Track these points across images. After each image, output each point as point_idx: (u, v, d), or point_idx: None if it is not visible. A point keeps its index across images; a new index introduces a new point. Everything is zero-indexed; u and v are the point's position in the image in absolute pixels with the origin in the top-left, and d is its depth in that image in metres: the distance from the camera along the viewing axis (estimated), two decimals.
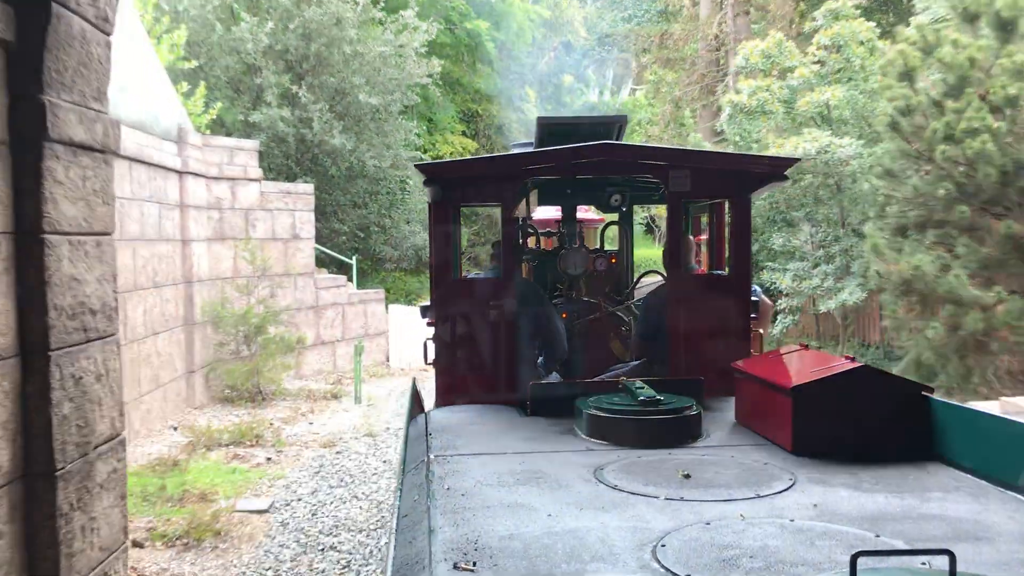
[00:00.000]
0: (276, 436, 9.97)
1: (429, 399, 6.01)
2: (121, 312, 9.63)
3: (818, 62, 12.80)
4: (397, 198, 19.71)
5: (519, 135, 28.02)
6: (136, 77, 10.47)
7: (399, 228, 19.43)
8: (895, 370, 10.55)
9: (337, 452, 9.44)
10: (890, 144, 9.79)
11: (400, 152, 18.12)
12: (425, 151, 22.62)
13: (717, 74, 21.77)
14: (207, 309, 11.98)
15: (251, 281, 12.61)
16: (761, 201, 14.19)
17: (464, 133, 25.91)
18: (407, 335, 16.13)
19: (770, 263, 13.50)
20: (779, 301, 13.25)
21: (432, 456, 4.13)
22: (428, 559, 2.72)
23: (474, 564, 2.70)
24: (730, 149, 15.81)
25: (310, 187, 14.45)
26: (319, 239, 17.12)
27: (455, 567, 2.68)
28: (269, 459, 9.10)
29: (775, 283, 12.88)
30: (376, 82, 16.75)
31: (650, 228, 28.51)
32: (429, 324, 5.91)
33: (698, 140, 16.75)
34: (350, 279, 16.65)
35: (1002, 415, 4.08)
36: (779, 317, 13.24)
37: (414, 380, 6.76)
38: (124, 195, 9.65)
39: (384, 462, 9.08)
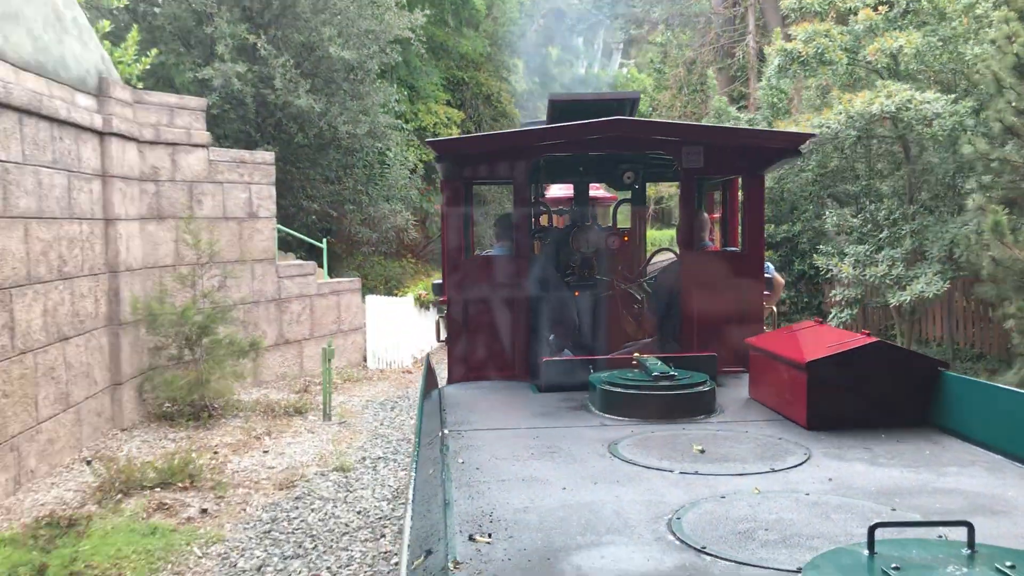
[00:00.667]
0: (218, 473, 7.67)
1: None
2: (5, 314, 7.32)
3: (885, 3, 10.60)
4: (375, 172, 17.32)
5: (508, 106, 25.73)
6: (33, 4, 8.06)
7: (378, 206, 17.08)
8: (1004, 380, 8.44)
9: (296, 498, 7.17)
10: (1010, 95, 7.58)
11: (378, 118, 15.72)
12: (407, 120, 20.26)
13: (734, 33, 19.50)
14: (139, 305, 9.64)
15: (195, 270, 10.27)
16: (807, 173, 12.04)
17: (449, 103, 23.52)
18: (388, 330, 13.84)
19: (821, 246, 11.32)
20: (833, 292, 11.09)
21: (446, 431, 4.11)
22: (444, 531, 2.62)
23: (490, 536, 2.68)
24: (762, 113, 13.64)
25: (270, 155, 12.07)
26: (284, 219, 14.76)
27: (471, 539, 2.65)
28: (204, 511, 6.81)
29: (831, 269, 10.70)
30: (350, 35, 14.31)
31: None
32: (442, 302, 5.87)
33: (722, 104, 14.54)
34: (321, 265, 14.32)
35: (1016, 389, 3.82)
36: (834, 311, 11.08)
37: (428, 355, 7.00)
38: (12, 158, 7.28)
39: (358, 513, 6.82)
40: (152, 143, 10.34)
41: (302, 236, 14.18)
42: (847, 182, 11.52)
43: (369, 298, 13.84)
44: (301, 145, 14.86)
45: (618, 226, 8.55)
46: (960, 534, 2.11)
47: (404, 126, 18.83)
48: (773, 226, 12.42)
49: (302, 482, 7.56)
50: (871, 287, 10.56)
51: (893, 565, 2.03)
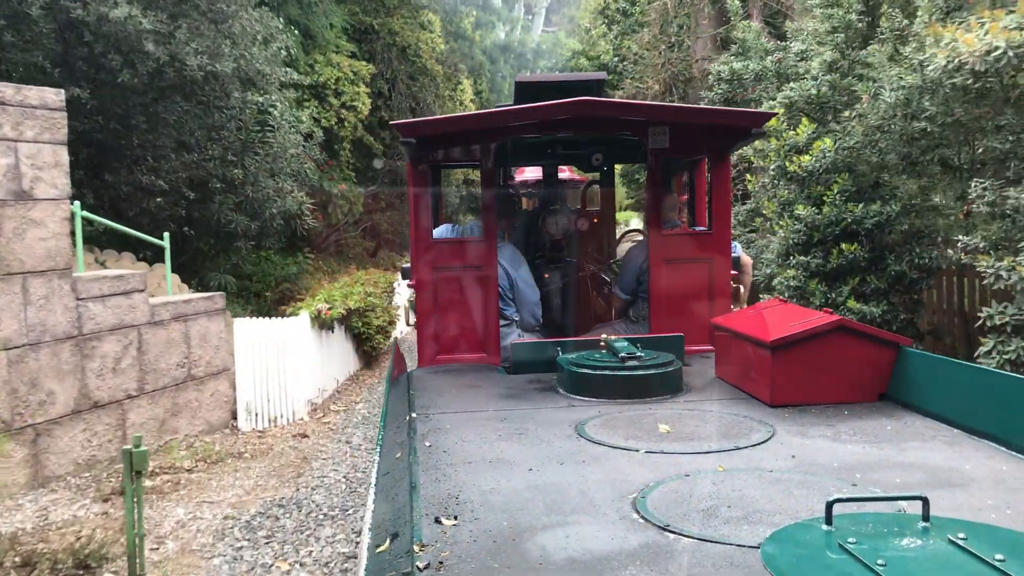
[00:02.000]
0: None
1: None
2: None
3: None
4: (254, 136, 12.41)
5: (428, 61, 21.10)
6: None
7: (258, 185, 12.23)
8: None
9: None
10: None
11: (252, 55, 10.84)
12: (301, 72, 15.38)
13: None
14: None
15: None
16: (919, 123, 7.89)
17: (355, 55, 18.67)
18: (270, 368, 9.13)
19: (963, 238, 7.15)
20: (989, 309, 6.91)
21: (414, 414, 4.09)
22: (409, 514, 2.64)
23: (456, 518, 2.66)
24: (828, 38, 9.49)
25: (55, 94, 7.16)
26: (112, 202, 9.86)
27: (437, 521, 2.62)
28: None
29: (994, 271, 6.55)
30: None
31: None
32: (410, 286, 5.90)
33: (754, 31, 10.32)
34: (168, 273, 9.42)
35: (975, 365, 3.66)
36: (990, 340, 6.93)
37: (395, 340, 7.64)
38: None
39: None
40: None
41: (130, 230, 9.17)
42: (986, 136, 7.40)
43: (238, 323, 9.01)
44: (132, 90, 9.86)
45: (588, 208, 8.71)
46: (918, 507, 2.15)
47: (296, 78, 13.98)
48: (860, 206, 8.22)
49: None
50: None
51: (850, 539, 2.04)
